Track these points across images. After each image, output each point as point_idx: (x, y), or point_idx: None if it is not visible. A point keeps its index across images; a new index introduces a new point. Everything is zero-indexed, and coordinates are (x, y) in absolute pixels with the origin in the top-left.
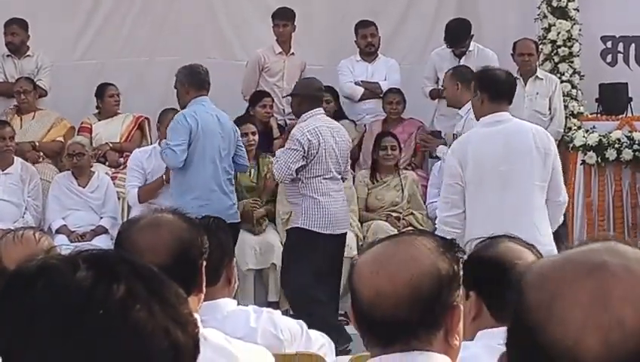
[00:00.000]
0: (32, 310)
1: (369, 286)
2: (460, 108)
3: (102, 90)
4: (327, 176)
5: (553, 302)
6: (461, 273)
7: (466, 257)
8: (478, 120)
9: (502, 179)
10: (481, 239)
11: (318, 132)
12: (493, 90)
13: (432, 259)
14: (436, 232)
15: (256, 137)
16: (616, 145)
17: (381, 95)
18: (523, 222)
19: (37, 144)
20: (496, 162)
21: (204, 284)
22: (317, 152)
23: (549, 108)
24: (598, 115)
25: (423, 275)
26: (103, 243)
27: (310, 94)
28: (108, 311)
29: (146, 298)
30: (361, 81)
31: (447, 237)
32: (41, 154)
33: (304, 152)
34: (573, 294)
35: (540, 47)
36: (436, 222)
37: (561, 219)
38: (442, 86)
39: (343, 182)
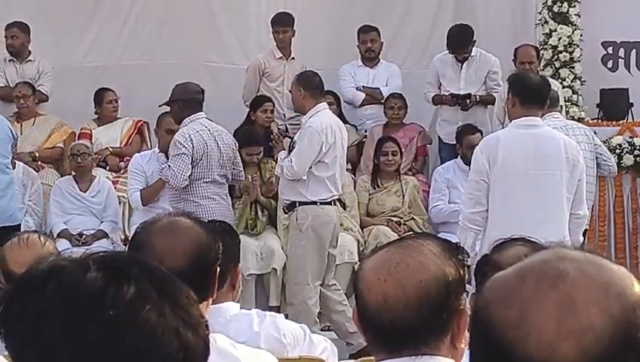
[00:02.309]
0: (43, 310)
1: (376, 292)
2: (304, 114)
3: (100, 96)
4: (207, 180)
5: (524, 318)
6: (466, 276)
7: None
8: (510, 121)
9: (531, 183)
10: (500, 240)
11: (200, 136)
12: (524, 94)
13: (439, 264)
14: (459, 228)
15: (260, 155)
16: (617, 151)
17: (382, 100)
18: (549, 228)
19: (37, 155)
20: (526, 164)
21: (215, 290)
22: (200, 156)
23: None
24: (599, 121)
25: (431, 281)
26: (103, 247)
27: (190, 98)
28: (118, 311)
29: (157, 299)
30: (363, 87)
31: (470, 233)
32: (40, 163)
33: (192, 156)
34: (541, 307)
35: (541, 52)
36: (460, 217)
37: (581, 237)
38: (289, 91)
39: (229, 183)
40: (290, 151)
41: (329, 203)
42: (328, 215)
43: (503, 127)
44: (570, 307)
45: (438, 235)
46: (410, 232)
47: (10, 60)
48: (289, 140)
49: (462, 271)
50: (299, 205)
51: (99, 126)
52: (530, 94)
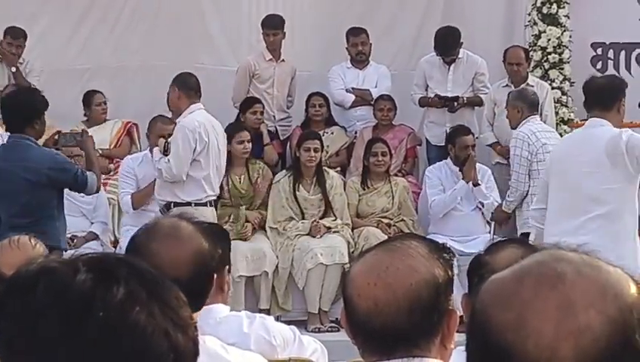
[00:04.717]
0: (32, 312)
1: (366, 297)
2: (180, 115)
3: (89, 98)
4: None
5: (522, 320)
6: (454, 277)
7: None
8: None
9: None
10: (496, 240)
11: None
12: (585, 98)
13: (428, 266)
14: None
15: (250, 145)
16: None
17: (372, 102)
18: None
19: None
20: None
21: (209, 295)
22: None
23: (540, 115)
24: None
25: (422, 284)
26: (92, 249)
27: None
28: (107, 313)
29: (146, 300)
30: (352, 88)
31: (532, 230)
32: None
33: None
34: (540, 309)
35: (531, 53)
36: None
37: None
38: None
39: None
40: (165, 152)
41: (204, 204)
42: (202, 215)
43: (492, 129)
44: (569, 309)
45: (428, 236)
46: (399, 233)
47: None
48: (163, 141)
49: (450, 272)
50: (174, 206)
51: (88, 128)
52: (587, 98)
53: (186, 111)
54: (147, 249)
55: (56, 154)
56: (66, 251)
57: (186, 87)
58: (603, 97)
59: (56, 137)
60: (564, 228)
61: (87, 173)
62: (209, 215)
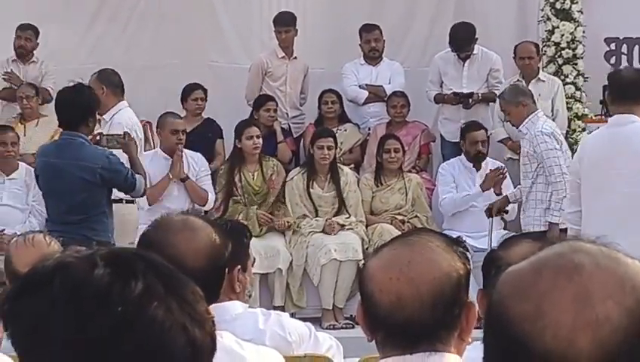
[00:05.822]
0: (50, 307)
1: (389, 291)
2: (105, 113)
3: None
4: None
5: (540, 311)
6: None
7: None
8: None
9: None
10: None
11: None
12: (612, 91)
13: (448, 259)
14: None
15: (260, 140)
16: None
17: (385, 98)
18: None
19: None
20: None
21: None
22: None
23: (552, 110)
24: (603, 117)
25: (443, 278)
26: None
27: None
28: (126, 308)
29: (164, 295)
30: (366, 85)
31: (571, 233)
32: None
33: None
34: (558, 300)
35: (544, 49)
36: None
37: None
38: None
39: None
40: None
41: (132, 201)
42: (131, 213)
43: (503, 125)
44: (587, 300)
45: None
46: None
47: (13, 60)
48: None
49: (467, 265)
50: None
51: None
52: (613, 91)
53: (113, 108)
54: (164, 241)
55: (110, 155)
56: (114, 246)
57: (113, 85)
58: (632, 91)
59: (97, 138)
60: (603, 232)
61: (136, 175)
62: (134, 211)
